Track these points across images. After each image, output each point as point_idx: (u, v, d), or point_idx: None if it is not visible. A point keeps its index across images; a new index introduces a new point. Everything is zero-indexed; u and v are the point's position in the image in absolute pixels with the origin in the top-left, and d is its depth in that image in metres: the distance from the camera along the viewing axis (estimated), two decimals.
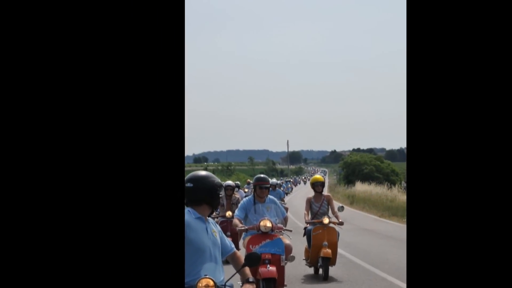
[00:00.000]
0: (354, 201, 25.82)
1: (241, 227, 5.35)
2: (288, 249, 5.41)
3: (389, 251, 9.72)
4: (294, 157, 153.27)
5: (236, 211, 5.65)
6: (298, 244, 8.20)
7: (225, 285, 2.77)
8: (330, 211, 7.52)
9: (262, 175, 5.97)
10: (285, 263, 5.34)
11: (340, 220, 7.33)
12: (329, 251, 7.10)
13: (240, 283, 2.98)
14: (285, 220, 5.81)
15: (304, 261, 7.73)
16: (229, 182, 10.02)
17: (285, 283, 5.36)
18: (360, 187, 31.56)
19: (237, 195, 9.71)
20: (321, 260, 7.17)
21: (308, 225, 7.42)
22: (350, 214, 18.03)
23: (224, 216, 8.88)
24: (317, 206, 7.47)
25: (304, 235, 7.59)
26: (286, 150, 71.03)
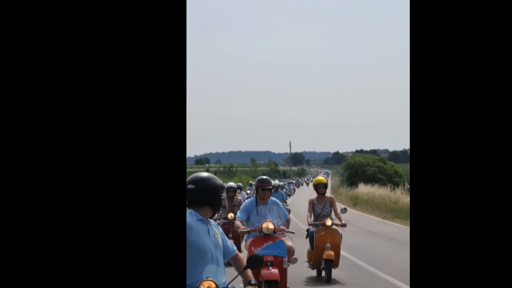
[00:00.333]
0: (357, 202, 25.77)
1: (243, 229, 5.34)
2: (290, 251, 5.39)
3: (392, 253, 9.70)
4: (297, 158, 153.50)
5: (238, 213, 5.64)
6: (300, 246, 8.18)
7: (227, 287, 2.75)
8: (333, 213, 7.50)
9: (264, 177, 5.95)
10: (288, 265, 5.32)
11: (343, 222, 7.30)
12: (332, 253, 7.08)
13: (242, 285, 2.97)
14: (287, 222, 5.80)
15: (307, 263, 7.71)
16: (231, 183, 10.00)
17: (287, 286, 5.35)
18: (363, 189, 31.54)
19: (239, 196, 9.70)
20: (323, 262, 7.15)
21: (311, 227, 7.40)
22: (353, 216, 18.01)
23: (226, 218, 8.87)
24: (320, 207, 7.45)
25: (306, 237, 7.57)
26: (289, 152, 71.16)
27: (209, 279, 2.63)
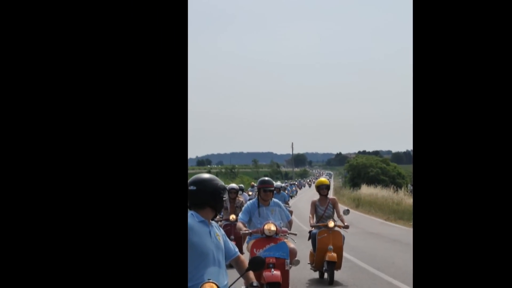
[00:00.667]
0: (359, 204, 25.74)
1: (245, 230, 5.32)
2: (292, 253, 5.38)
3: (395, 255, 9.68)
4: (299, 159, 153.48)
5: (240, 215, 5.62)
6: (303, 248, 8.16)
7: None
8: (335, 215, 7.48)
9: (266, 178, 5.94)
10: (290, 267, 5.30)
11: (345, 224, 7.28)
12: (335, 255, 7.06)
13: (244, 287, 2.95)
14: (289, 224, 5.78)
15: (309, 265, 7.69)
16: (233, 185, 9.98)
17: None
18: (366, 190, 31.50)
19: (241, 198, 9.67)
20: (326, 264, 7.13)
21: (313, 228, 7.38)
22: (355, 217, 17.98)
23: (227, 220, 8.85)
24: (322, 209, 7.43)
25: (309, 239, 7.56)
26: (291, 153, 71.21)
27: (210, 281, 2.62)
